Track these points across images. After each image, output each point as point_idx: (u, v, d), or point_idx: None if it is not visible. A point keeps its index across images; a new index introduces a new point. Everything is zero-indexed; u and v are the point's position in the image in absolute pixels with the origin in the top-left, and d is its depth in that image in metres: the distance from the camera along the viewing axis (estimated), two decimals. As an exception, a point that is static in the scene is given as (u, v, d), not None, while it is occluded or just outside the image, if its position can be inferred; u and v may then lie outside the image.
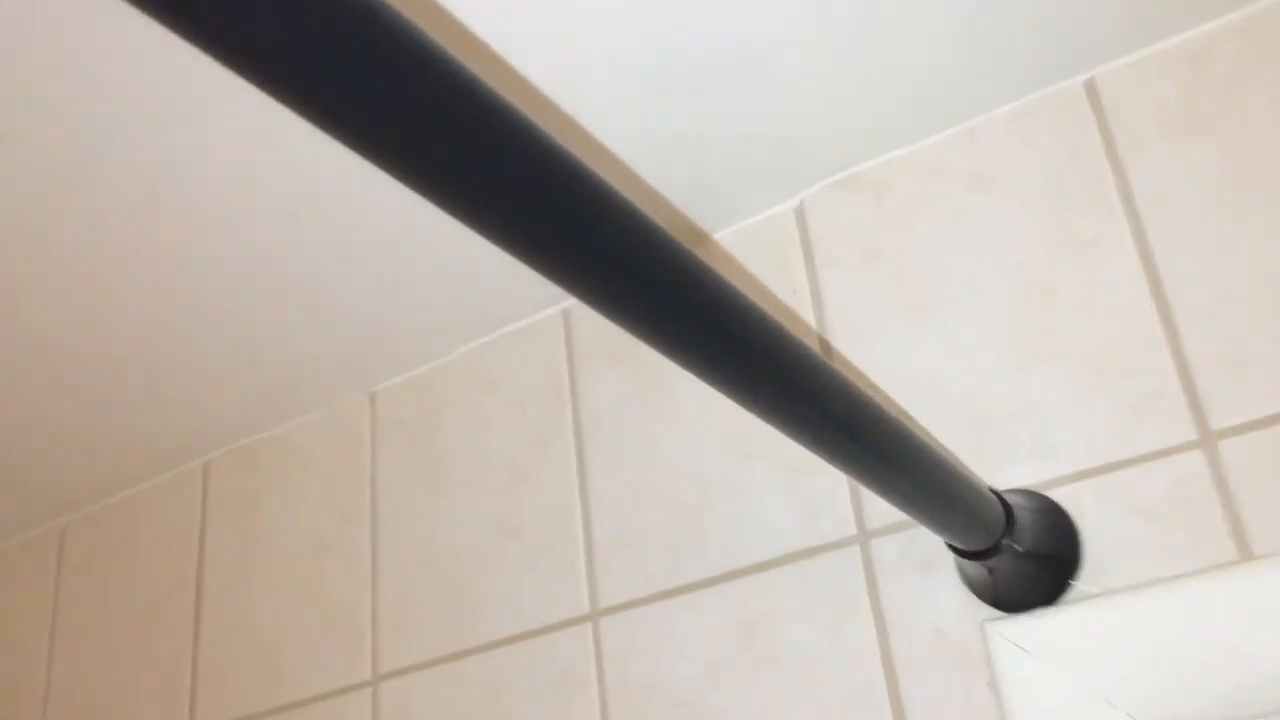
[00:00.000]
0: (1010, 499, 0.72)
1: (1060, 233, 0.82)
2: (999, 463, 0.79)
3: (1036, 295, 0.81)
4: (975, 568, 0.74)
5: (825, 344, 0.89)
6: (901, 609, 0.79)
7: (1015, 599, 0.74)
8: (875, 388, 0.85)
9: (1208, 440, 0.73)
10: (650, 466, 0.93)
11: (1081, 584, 0.74)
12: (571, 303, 1.02)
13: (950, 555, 0.76)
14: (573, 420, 0.99)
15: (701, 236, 0.98)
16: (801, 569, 0.84)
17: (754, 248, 0.95)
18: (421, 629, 1.00)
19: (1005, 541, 0.69)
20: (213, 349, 1.06)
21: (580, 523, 0.95)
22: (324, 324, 1.04)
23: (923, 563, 0.79)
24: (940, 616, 0.78)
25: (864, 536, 0.82)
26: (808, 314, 0.90)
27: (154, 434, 1.19)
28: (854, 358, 0.87)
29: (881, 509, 0.81)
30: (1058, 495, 0.76)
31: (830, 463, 0.55)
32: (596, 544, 0.94)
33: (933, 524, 0.66)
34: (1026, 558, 0.72)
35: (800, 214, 0.94)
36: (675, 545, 0.90)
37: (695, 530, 0.90)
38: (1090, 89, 0.84)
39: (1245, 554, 0.69)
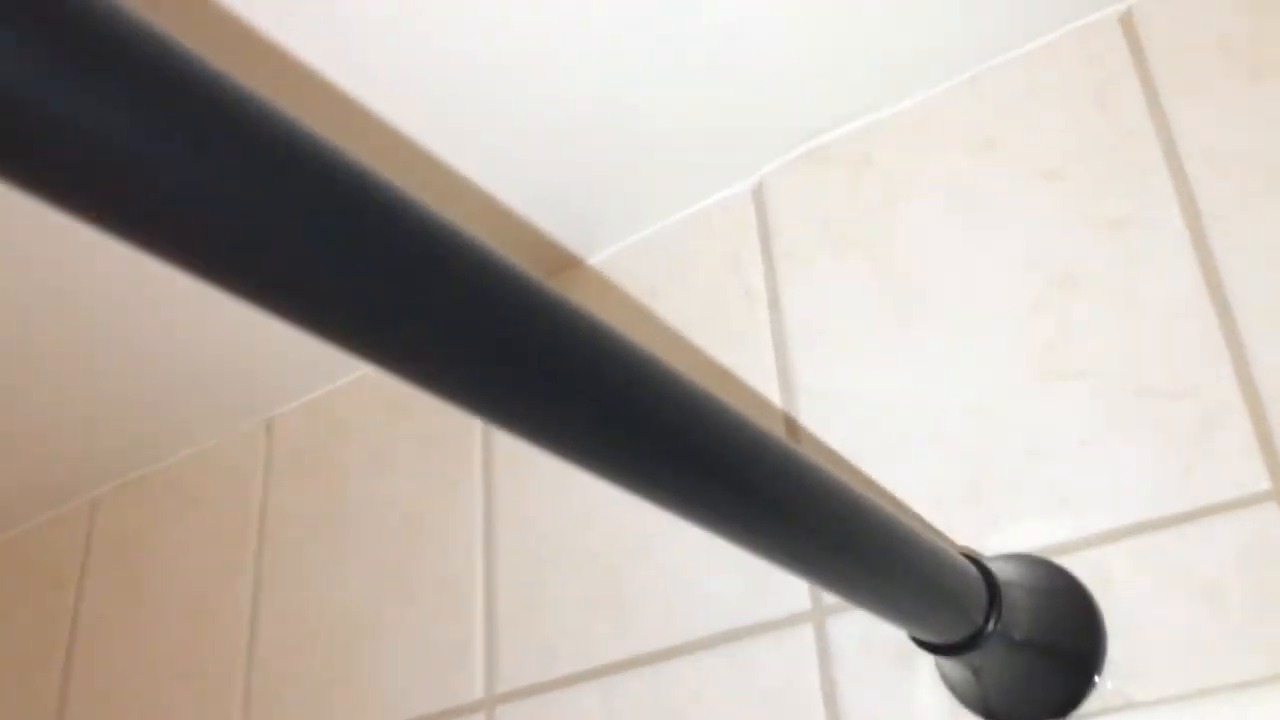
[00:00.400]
0: (1001, 570, 0.51)
1: (1087, 208, 0.62)
2: (1000, 516, 0.58)
3: (1056, 292, 0.61)
4: (955, 667, 0.54)
5: (785, 361, 0.69)
6: (864, 711, 0.59)
7: (1012, 708, 0.54)
8: (847, 412, 0.65)
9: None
10: (565, 520, 0.74)
11: (1107, 687, 0.53)
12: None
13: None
14: (482, 462, 0.80)
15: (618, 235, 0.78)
16: (741, 650, 0.64)
17: (691, 242, 0.76)
18: (295, 712, 0.81)
19: (992, 629, 0.48)
20: (99, 372, 0.89)
21: (481, 586, 0.76)
22: (217, 340, 0.87)
23: (896, 652, 0.58)
24: (916, 725, 0.57)
25: (819, 613, 0.62)
26: (763, 324, 0.71)
27: (38, 469, 1.02)
28: (820, 378, 0.67)
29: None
30: (1077, 563, 0.55)
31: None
32: (500, 612, 0.74)
33: (878, 608, 0.46)
34: (1024, 650, 0.51)
35: (759, 196, 0.74)
36: (589, 617, 0.70)
37: (613, 600, 0.70)
38: (1126, 24, 0.64)
39: (1344, 655, 0.48)
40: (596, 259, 0.80)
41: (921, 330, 0.65)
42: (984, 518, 0.59)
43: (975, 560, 0.50)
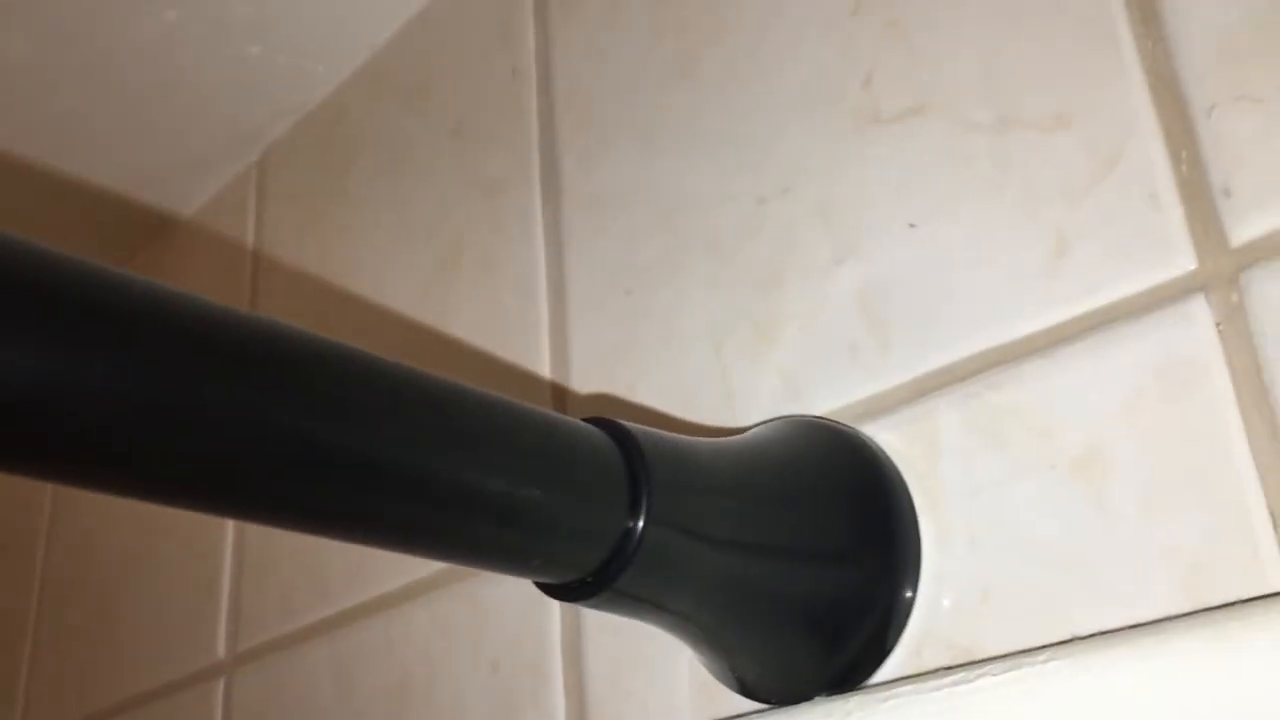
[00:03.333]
0: (711, 445, 0.29)
1: None
2: (784, 362, 0.36)
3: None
4: (673, 623, 0.32)
5: (553, 163, 0.47)
6: (606, 666, 0.37)
7: (765, 670, 0.32)
8: (615, 225, 0.43)
9: (1217, 269, 0.28)
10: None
11: (942, 606, 0.30)
12: None
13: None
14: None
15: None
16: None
17: (464, 4, 0.54)
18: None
19: (642, 539, 0.26)
20: None
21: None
22: None
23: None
24: None
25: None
26: (530, 111, 0.49)
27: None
28: (585, 162, 0.45)
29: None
30: (892, 423, 0.32)
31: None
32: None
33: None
34: (752, 575, 0.29)
35: (533, -65, 0.51)
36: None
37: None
38: None
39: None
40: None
41: (699, 93, 0.41)
42: (768, 365, 0.36)
43: (613, 429, 0.28)
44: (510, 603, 0.42)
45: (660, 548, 0.27)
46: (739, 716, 0.32)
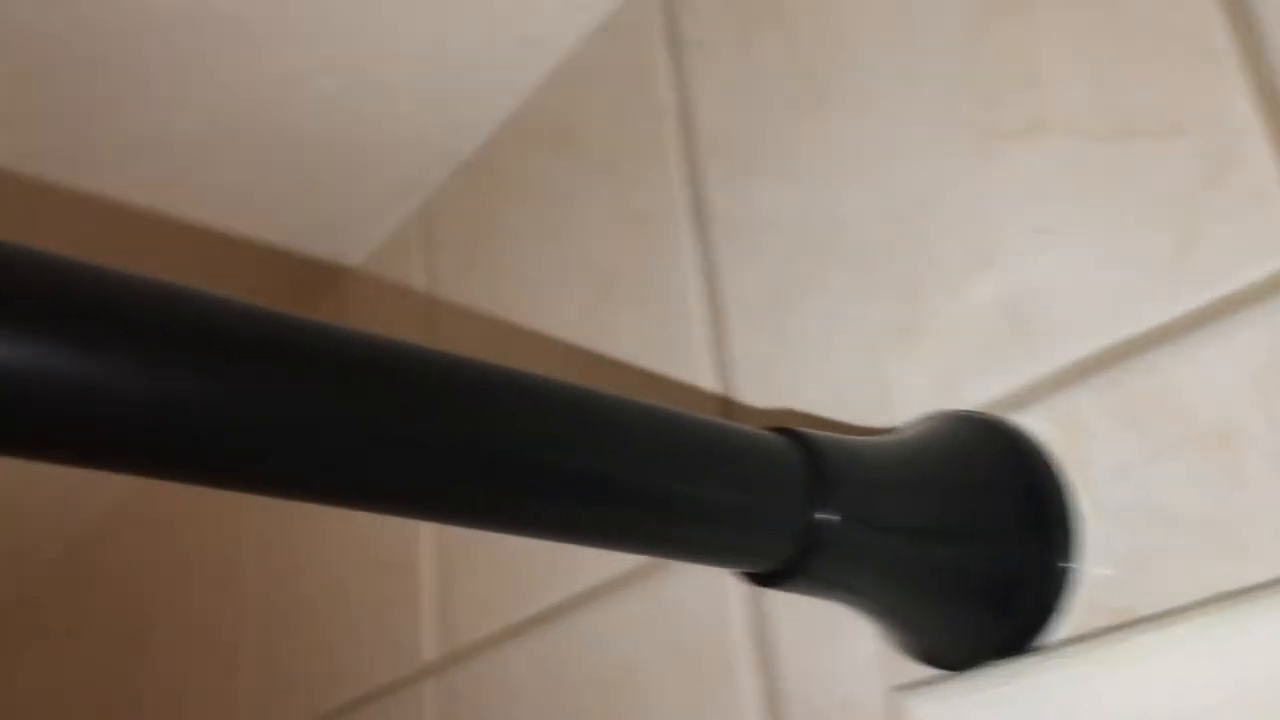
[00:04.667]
0: (880, 444, 0.33)
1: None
2: (936, 362, 0.40)
3: (1001, 17, 0.40)
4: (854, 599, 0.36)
5: (699, 186, 0.51)
6: (799, 657, 0.42)
7: (948, 636, 0.36)
8: (767, 244, 0.47)
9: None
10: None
11: (1103, 574, 0.34)
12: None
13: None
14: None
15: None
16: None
17: (601, 52, 0.59)
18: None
19: (821, 518, 0.31)
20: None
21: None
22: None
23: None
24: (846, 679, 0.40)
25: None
26: (670, 142, 0.53)
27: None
28: (732, 192, 0.49)
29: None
30: (1037, 414, 0.36)
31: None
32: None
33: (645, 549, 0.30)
34: (926, 552, 0.33)
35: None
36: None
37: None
38: None
39: None
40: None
41: (833, 121, 0.46)
42: (919, 366, 0.40)
43: (794, 436, 0.32)
44: (695, 593, 0.47)
45: (842, 536, 0.31)
46: (922, 682, 0.36)
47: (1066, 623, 0.34)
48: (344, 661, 0.70)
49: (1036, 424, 0.36)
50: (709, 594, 0.46)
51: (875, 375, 0.41)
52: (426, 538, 0.64)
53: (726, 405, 0.47)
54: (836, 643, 0.41)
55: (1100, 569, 0.34)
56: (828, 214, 0.45)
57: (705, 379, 0.49)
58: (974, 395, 0.38)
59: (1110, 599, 0.33)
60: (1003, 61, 0.40)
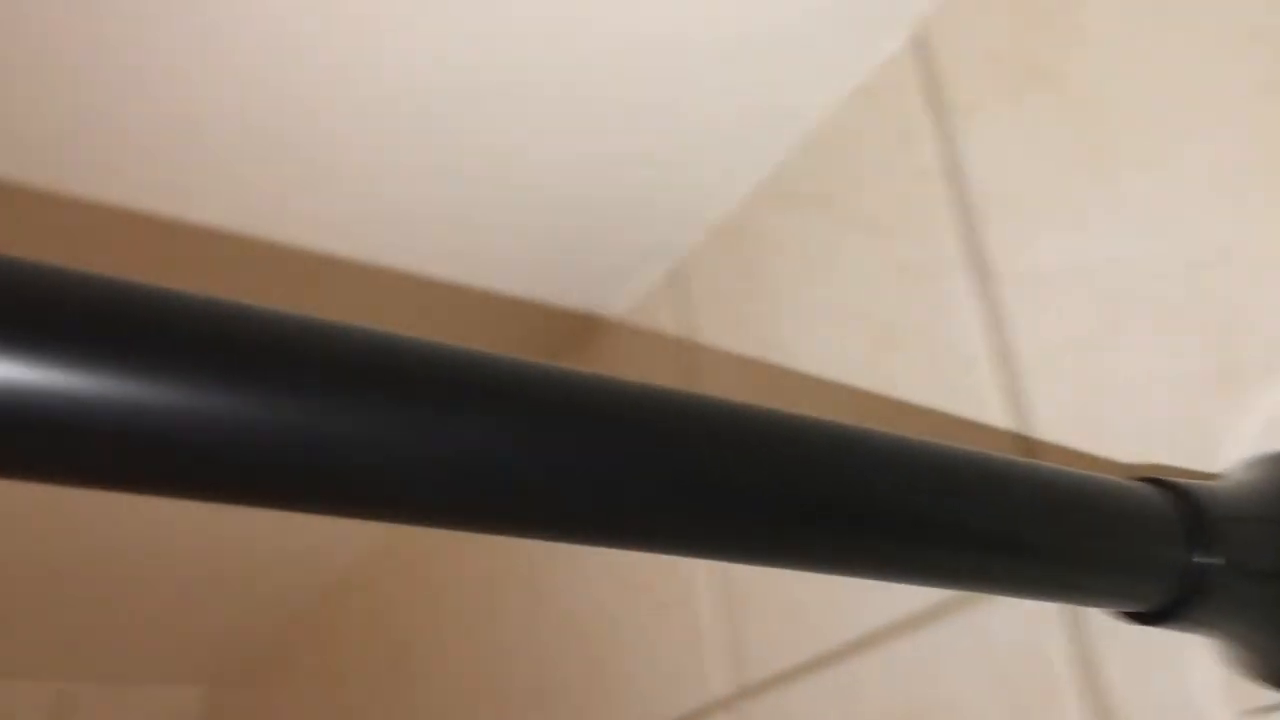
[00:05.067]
0: (1235, 487, 0.36)
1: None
2: (1259, 404, 0.42)
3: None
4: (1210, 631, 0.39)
5: (975, 241, 0.55)
6: (1130, 686, 0.45)
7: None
8: (1058, 295, 0.50)
9: None
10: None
11: None
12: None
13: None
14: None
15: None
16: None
17: (857, 118, 0.62)
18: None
19: (1203, 561, 0.34)
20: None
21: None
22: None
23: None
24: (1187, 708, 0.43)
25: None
26: (938, 199, 0.57)
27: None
28: (1013, 246, 0.52)
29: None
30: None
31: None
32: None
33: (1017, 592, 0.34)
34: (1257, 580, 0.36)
35: (922, 45, 0.59)
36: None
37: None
38: None
39: None
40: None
41: (1126, 177, 0.48)
42: (1240, 407, 0.43)
43: (1158, 482, 0.35)
44: (1009, 625, 0.50)
45: (1223, 578, 0.34)
46: (1277, 707, 0.39)
47: None
48: (622, 696, 0.74)
49: (1376, 461, 0.38)
50: (1024, 624, 0.49)
51: (1194, 420, 0.44)
52: (707, 571, 0.68)
53: (1028, 445, 0.50)
54: (1175, 670, 0.43)
55: None
56: (1123, 267, 0.48)
57: (996, 421, 0.52)
58: (1305, 436, 0.40)
59: None
60: (1300, 115, 0.42)
